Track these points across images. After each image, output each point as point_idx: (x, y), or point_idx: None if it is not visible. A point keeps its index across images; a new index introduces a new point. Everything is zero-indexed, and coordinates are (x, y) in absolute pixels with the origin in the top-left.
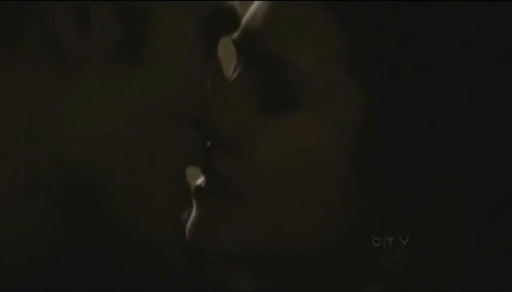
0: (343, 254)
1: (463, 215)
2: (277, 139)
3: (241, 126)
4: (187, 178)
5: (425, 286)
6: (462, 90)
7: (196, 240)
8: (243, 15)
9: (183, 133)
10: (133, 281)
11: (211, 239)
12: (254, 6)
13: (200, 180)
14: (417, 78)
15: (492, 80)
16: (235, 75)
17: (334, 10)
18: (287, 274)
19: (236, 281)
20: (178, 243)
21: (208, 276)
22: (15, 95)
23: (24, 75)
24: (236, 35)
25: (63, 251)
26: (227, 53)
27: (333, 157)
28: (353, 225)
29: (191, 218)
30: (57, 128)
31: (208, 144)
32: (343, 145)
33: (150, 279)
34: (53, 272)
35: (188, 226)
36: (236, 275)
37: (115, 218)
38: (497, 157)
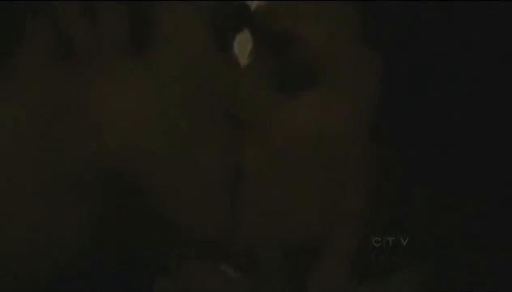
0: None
1: (465, 215)
2: (297, 119)
3: (261, 110)
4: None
5: (426, 286)
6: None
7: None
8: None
9: (211, 123)
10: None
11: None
12: None
13: None
14: (435, 44)
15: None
16: (250, 60)
17: None
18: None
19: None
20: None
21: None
22: (32, 96)
23: (38, 74)
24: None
25: (104, 244)
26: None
27: (353, 131)
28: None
29: None
30: (83, 124)
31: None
32: (363, 118)
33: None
34: (93, 264)
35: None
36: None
37: (156, 208)
38: (501, 156)
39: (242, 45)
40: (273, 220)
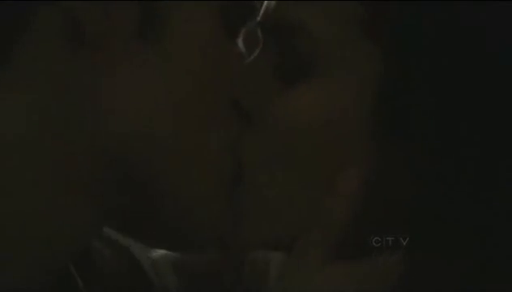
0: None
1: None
2: (298, 109)
3: (264, 100)
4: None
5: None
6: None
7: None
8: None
9: (216, 113)
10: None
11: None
12: None
13: None
14: (433, 36)
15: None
16: (255, 54)
17: None
18: None
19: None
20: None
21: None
22: (43, 82)
23: (47, 60)
24: (259, 17)
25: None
26: None
27: (352, 118)
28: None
29: None
30: (93, 112)
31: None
32: (362, 106)
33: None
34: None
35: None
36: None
37: (160, 198)
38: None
39: (248, 39)
40: (273, 209)
